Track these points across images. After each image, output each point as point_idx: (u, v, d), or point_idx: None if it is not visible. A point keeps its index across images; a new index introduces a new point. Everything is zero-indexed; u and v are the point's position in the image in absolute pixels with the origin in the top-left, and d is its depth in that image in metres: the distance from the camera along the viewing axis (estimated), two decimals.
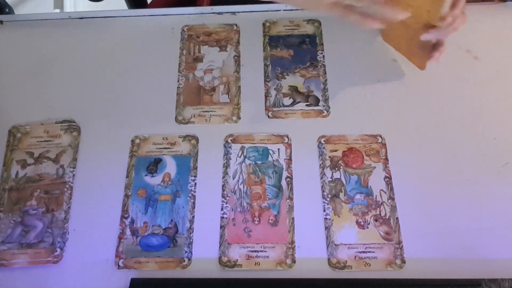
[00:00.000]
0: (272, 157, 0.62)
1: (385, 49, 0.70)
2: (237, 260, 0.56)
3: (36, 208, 0.60)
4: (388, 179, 0.60)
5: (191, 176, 0.61)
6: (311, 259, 0.56)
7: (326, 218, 0.58)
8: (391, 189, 0.60)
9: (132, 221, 0.59)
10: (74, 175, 0.62)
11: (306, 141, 0.63)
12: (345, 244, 0.56)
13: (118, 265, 0.56)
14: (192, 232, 0.58)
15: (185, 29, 0.73)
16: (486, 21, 0.72)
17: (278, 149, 0.63)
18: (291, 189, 0.60)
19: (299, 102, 0.66)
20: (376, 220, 0.58)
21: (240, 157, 0.62)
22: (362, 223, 0.58)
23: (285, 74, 0.69)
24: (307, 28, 0.73)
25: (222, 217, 0.59)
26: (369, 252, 0.56)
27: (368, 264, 0.55)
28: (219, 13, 0.75)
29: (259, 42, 0.72)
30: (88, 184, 0.61)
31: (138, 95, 0.68)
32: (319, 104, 0.66)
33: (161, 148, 0.63)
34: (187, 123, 0.65)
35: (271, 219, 0.58)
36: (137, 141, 0.64)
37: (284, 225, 0.58)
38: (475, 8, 0.73)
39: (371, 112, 0.65)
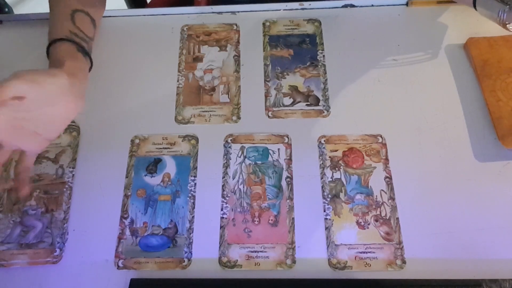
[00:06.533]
0: (272, 157, 0.62)
1: (385, 49, 0.70)
2: (237, 260, 0.56)
3: (35, 208, 0.59)
4: (389, 179, 0.60)
5: (191, 176, 0.61)
6: (311, 260, 0.56)
7: (326, 218, 0.58)
8: (392, 189, 0.59)
9: (132, 221, 0.58)
10: (73, 175, 0.62)
11: (306, 141, 0.63)
12: (345, 245, 0.56)
13: (118, 266, 0.56)
14: (192, 232, 0.58)
15: (185, 29, 0.73)
16: (486, 20, 0.71)
17: (278, 149, 0.63)
18: (291, 189, 0.60)
19: (299, 102, 0.66)
20: (376, 221, 0.58)
21: (240, 157, 0.62)
22: (362, 223, 0.57)
23: (285, 73, 0.68)
24: (307, 28, 0.72)
25: (222, 217, 0.58)
26: (369, 252, 0.56)
27: (369, 265, 0.55)
28: (219, 13, 0.75)
29: (259, 41, 0.72)
30: (88, 184, 0.61)
31: (137, 94, 0.68)
32: (319, 104, 0.66)
33: (160, 148, 0.63)
34: (187, 123, 0.65)
35: (271, 219, 0.58)
36: (137, 141, 0.64)
37: (284, 225, 0.58)
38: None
39: (371, 112, 0.65)
